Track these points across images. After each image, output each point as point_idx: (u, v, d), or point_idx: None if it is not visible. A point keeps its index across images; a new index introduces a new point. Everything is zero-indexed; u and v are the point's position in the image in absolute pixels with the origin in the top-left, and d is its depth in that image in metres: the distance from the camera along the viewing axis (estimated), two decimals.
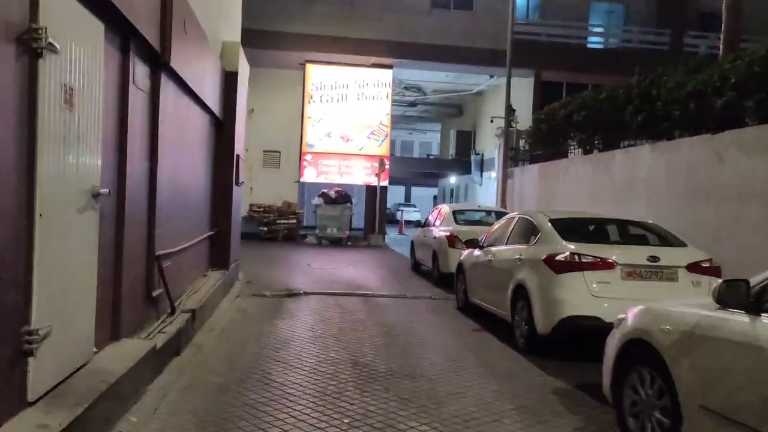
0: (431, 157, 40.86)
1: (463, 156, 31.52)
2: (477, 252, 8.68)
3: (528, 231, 7.29)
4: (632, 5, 25.24)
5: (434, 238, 12.24)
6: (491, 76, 25.79)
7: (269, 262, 14.94)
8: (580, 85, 23.42)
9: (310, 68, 22.42)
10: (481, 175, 29.95)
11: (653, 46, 23.78)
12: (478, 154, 30.11)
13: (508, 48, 17.64)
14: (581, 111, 11.50)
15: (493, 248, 8.04)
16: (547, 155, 15.31)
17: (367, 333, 7.54)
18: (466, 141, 31.79)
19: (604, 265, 6.07)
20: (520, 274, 6.84)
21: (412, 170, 34.58)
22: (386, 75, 22.80)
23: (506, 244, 7.75)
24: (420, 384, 5.48)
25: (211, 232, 9.15)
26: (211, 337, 6.85)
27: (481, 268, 8.32)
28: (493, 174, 27.61)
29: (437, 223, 12.92)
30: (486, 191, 29.40)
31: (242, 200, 22.47)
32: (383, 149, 22.90)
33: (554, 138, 13.83)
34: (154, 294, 5.71)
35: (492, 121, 20.97)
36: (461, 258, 9.41)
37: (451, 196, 36.21)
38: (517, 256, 7.04)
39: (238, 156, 9.84)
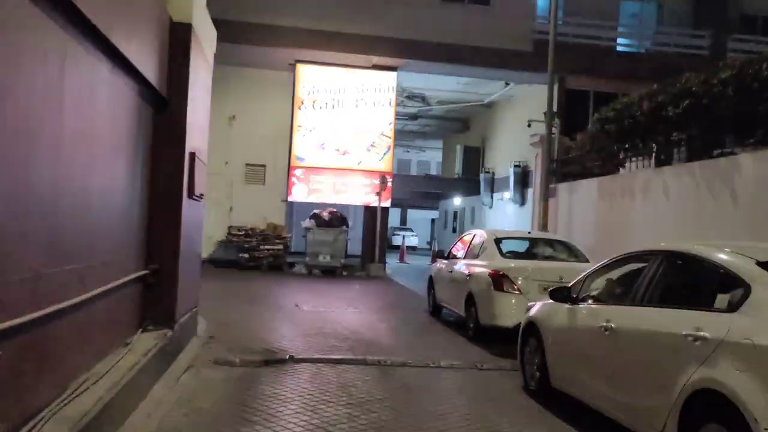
0: (432, 176, 37.68)
1: (471, 175, 28.39)
2: (567, 307, 5.42)
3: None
4: (666, 5, 22.41)
5: (468, 276, 8.98)
6: (507, 84, 22.80)
7: (247, 302, 11.57)
8: (608, 95, 20.52)
9: (302, 69, 19.28)
10: (492, 197, 26.83)
11: (690, 50, 20.87)
12: (489, 172, 27.01)
13: (550, 46, 14.57)
14: (680, 101, 8.34)
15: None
16: (600, 168, 12.12)
17: None
18: (474, 158, 28.69)
19: None
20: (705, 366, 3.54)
21: (413, 190, 31.35)
22: (389, 78, 19.69)
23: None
24: None
25: (144, 271, 5.82)
26: None
27: (591, 343, 4.99)
28: (506, 195, 24.51)
29: (469, 254, 9.68)
30: (497, 215, 26.24)
31: (219, 221, 19.47)
32: (385, 164, 19.71)
33: (630, 140, 10.58)
34: None
35: (530, 125, 17.70)
36: (534, 314, 6.15)
37: (455, 219, 33.01)
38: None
39: (193, 155, 6.55)
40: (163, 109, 6.09)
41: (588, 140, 12.30)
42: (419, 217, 44.79)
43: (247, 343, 7.67)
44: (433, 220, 43.96)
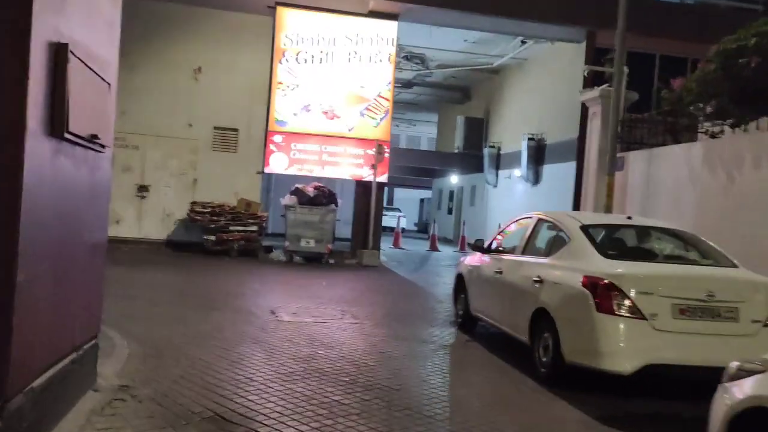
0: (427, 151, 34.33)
1: (472, 150, 25.24)
2: None
3: None
4: None
5: (538, 282, 5.83)
6: (523, 42, 19.57)
7: (203, 307, 8.35)
8: (645, 56, 17.46)
9: (284, 13, 15.87)
10: (497, 174, 23.75)
11: (743, 3, 17.86)
12: (494, 147, 23.89)
13: None
14: None
15: None
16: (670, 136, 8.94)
17: None
18: (476, 132, 25.51)
19: None
20: None
21: (403, 165, 28.02)
22: (389, 28, 16.37)
23: None
24: None
25: None
26: None
27: None
28: (516, 172, 21.42)
29: (531, 248, 6.54)
30: (503, 195, 23.16)
31: (180, 195, 15.94)
32: (381, 131, 16.47)
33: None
34: None
35: (586, 74, 13.88)
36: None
37: (450, 199, 29.88)
38: None
39: (65, 51, 3.23)
40: None
41: (694, 87, 8.72)
42: (406, 196, 41.60)
43: (186, 402, 4.47)
44: (422, 200, 40.84)
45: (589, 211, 10.99)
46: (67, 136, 3.25)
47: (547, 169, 19.85)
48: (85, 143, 3.60)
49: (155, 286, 9.86)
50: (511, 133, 22.82)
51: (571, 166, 18.21)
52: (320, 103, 16.11)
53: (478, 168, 24.69)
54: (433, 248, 20.90)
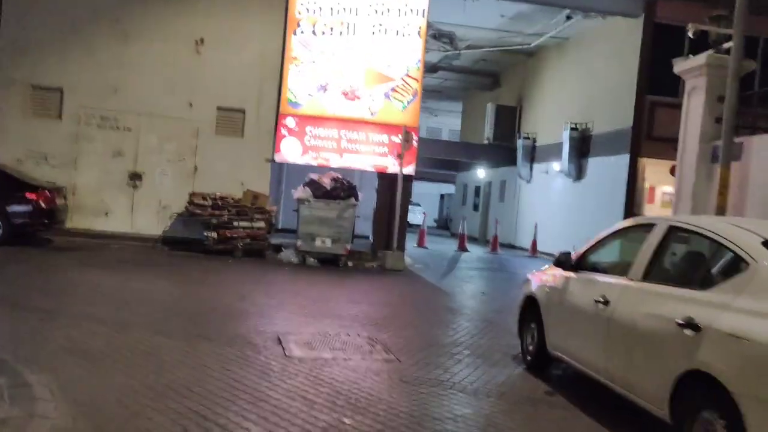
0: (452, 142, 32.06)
1: (502, 141, 23.06)
2: None
3: None
4: None
5: (688, 327, 3.70)
6: (568, 18, 17.36)
7: (186, 336, 6.33)
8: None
9: None
10: (531, 168, 21.61)
11: None
12: (528, 137, 21.72)
13: None
14: None
15: None
16: None
17: None
18: (508, 121, 23.31)
19: None
20: None
21: (429, 156, 25.84)
22: None
23: None
24: None
25: None
26: None
27: None
28: (555, 166, 19.24)
29: (660, 273, 4.42)
30: (538, 191, 21.00)
31: (178, 185, 13.46)
32: (409, 116, 14.35)
33: None
34: None
35: (692, 34, 10.99)
36: None
37: (476, 195, 27.70)
38: None
39: None
40: None
41: None
42: (425, 191, 39.34)
43: None
44: (442, 196, 38.67)
45: (686, 213, 8.83)
46: None
47: (593, 163, 17.68)
48: None
49: (134, 299, 7.86)
50: (548, 122, 20.65)
51: (622, 160, 16.05)
52: (339, 83, 14.05)
53: (510, 161, 22.53)
54: (462, 248, 18.78)
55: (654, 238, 4.52)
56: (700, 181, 8.56)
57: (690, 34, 9.16)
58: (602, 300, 4.73)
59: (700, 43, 11.93)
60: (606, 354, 4.66)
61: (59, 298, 7.51)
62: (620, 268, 4.93)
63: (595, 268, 5.28)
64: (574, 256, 5.54)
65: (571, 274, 5.46)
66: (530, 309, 6.09)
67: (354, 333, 6.89)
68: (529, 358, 6.04)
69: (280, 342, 6.15)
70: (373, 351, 6.19)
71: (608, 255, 5.48)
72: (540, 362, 5.87)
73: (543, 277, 6.06)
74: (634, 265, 4.62)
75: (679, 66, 9.39)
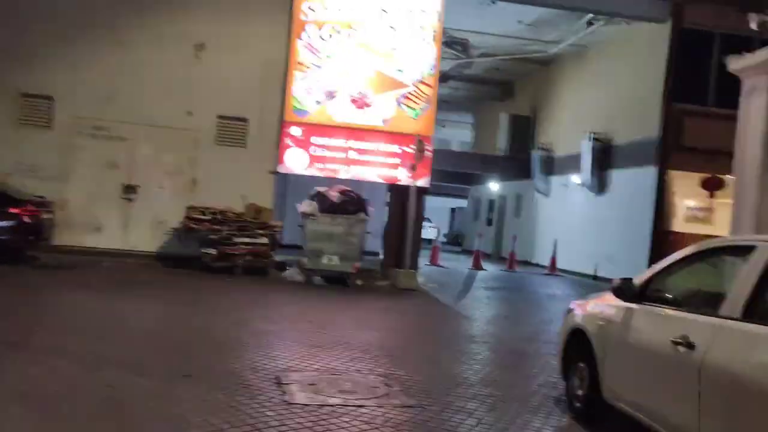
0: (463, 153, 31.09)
1: (519, 153, 22.13)
2: None
3: None
4: None
5: None
6: (589, 24, 16.48)
7: (165, 375, 5.38)
8: (741, 38, 14.17)
9: None
10: (548, 181, 20.63)
11: None
12: (545, 149, 20.77)
13: None
14: None
15: None
16: None
17: None
18: (522, 132, 22.39)
19: None
20: None
21: (439, 169, 24.91)
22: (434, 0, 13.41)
23: None
24: None
25: None
26: None
27: None
28: (575, 179, 18.27)
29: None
30: (557, 206, 19.99)
31: (175, 199, 12.44)
32: (423, 124, 13.42)
33: None
34: None
35: (757, 26, 9.74)
36: None
37: (490, 209, 26.68)
38: None
39: None
40: None
41: None
42: (436, 205, 38.35)
43: None
44: (452, 210, 37.70)
45: (748, 230, 7.82)
46: None
47: (616, 176, 16.69)
48: None
49: (114, 327, 6.91)
50: (566, 133, 19.70)
51: (648, 172, 15.06)
52: (348, 89, 13.15)
53: (525, 173, 21.56)
54: (477, 266, 17.74)
55: (756, 265, 3.53)
56: (766, 193, 7.55)
57: (754, 26, 8.18)
58: (683, 342, 3.72)
59: (732, 47, 10.96)
60: (691, 413, 3.64)
61: (28, 326, 6.56)
62: (702, 301, 3.94)
63: (665, 300, 4.29)
64: (637, 282, 4.54)
65: (632, 305, 4.47)
66: (577, 344, 5.09)
67: (366, 369, 5.91)
68: (578, 404, 5.02)
69: (279, 382, 5.17)
70: (389, 394, 5.20)
71: (683, 281, 4.49)
72: (592, 410, 4.86)
73: (593, 307, 5.07)
74: (728, 298, 3.62)
75: (736, 64, 8.41)
